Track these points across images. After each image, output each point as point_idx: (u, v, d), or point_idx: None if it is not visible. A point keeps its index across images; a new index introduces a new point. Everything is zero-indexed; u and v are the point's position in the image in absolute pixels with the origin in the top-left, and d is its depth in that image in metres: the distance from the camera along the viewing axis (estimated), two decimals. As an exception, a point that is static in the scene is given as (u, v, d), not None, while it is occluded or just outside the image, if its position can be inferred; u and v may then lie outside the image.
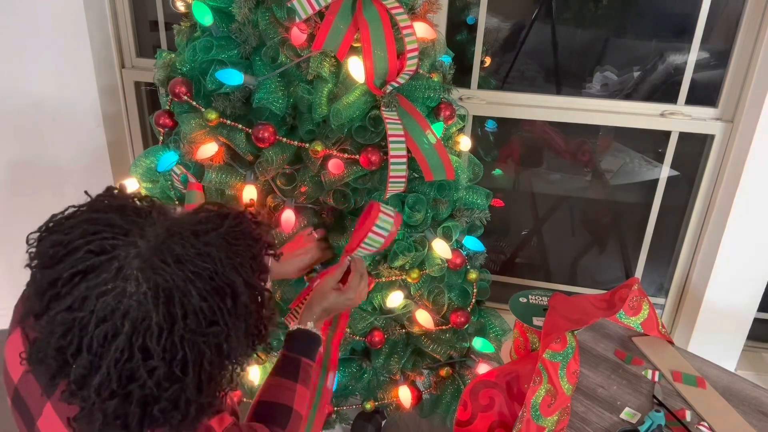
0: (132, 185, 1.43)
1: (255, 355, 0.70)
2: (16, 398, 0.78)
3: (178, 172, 1.35)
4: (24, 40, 2.00)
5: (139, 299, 0.59)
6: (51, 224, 0.65)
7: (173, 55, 1.35)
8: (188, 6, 1.28)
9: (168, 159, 1.34)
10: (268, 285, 1.17)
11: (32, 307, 0.62)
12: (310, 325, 1.07)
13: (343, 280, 1.15)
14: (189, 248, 0.63)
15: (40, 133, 2.14)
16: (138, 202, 0.67)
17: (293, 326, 1.08)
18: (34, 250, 0.64)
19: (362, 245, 1.16)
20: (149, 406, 0.61)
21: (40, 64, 2.02)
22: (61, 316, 0.58)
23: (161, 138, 1.40)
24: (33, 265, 0.63)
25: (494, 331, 1.61)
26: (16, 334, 0.79)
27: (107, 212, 0.64)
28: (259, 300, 0.69)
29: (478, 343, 1.57)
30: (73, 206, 0.66)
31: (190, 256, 0.62)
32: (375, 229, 1.14)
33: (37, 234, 0.65)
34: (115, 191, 0.69)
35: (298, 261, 1.22)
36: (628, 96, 2.18)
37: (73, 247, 0.60)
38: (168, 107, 1.36)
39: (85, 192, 0.68)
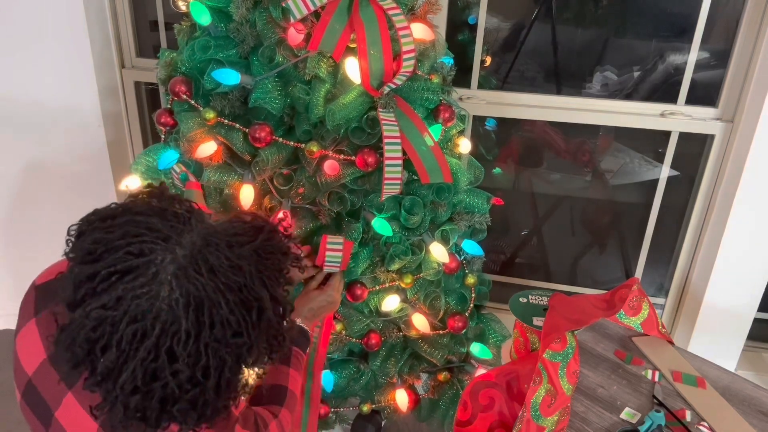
0: (134, 183, 1.43)
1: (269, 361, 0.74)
2: (29, 392, 0.79)
3: (178, 170, 1.35)
4: (24, 41, 2.00)
5: (170, 304, 0.62)
6: (93, 220, 0.67)
7: (175, 54, 1.35)
8: (189, 5, 1.29)
9: (168, 157, 1.35)
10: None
11: (65, 297, 0.64)
12: (298, 321, 1.17)
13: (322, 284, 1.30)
14: (223, 260, 0.65)
15: (41, 133, 2.14)
16: (178, 207, 0.69)
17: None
18: (72, 242, 0.66)
19: (325, 269, 1.32)
20: (169, 404, 0.64)
21: (40, 64, 2.02)
22: (95, 312, 0.61)
23: (163, 136, 1.40)
24: (71, 257, 0.65)
25: (494, 337, 1.59)
26: (29, 326, 0.80)
27: (149, 215, 0.66)
28: (281, 312, 0.73)
29: (476, 348, 1.55)
30: (115, 203, 0.69)
31: (224, 268, 0.65)
32: (327, 263, 1.30)
33: (77, 227, 0.67)
34: (157, 192, 0.71)
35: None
36: (628, 96, 2.18)
37: (113, 247, 0.62)
38: (169, 106, 1.36)
39: (127, 187, 0.72)
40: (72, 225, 0.68)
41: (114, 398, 0.63)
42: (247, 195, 1.30)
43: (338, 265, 1.30)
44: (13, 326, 2.83)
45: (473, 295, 1.53)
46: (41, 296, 0.81)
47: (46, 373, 0.77)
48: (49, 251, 2.51)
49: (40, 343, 0.78)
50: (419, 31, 1.29)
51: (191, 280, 0.63)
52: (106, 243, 0.63)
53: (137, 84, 2.19)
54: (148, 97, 2.27)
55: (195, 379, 0.63)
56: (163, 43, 2.13)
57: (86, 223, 0.67)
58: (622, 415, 1.22)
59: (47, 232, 2.33)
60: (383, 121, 1.23)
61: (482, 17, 1.89)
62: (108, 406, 0.65)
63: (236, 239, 0.69)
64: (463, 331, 1.50)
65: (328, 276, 1.31)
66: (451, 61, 1.45)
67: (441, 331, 1.50)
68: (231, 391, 0.69)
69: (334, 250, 1.29)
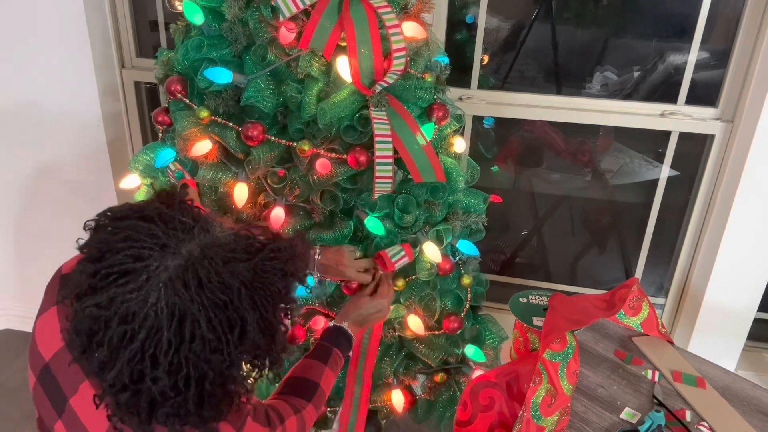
0: (133, 182, 1.43)
1: (265, 379, 0.75)
2: (44, 376, 0.81)
3: (173, 168, 1.36)
4: (24, 41, 2.00)
5: (156, 311, 0.64)
6: (104, 219, 0.70)
7: (172, 54, 1.36)
8: (182, 5, 1.29)
9: (165, 155, 1.36)
10: (316, 279, 1.29)
11: (73, 288, 0.67)
12: (344, 324, 1.20)
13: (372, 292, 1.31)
14: (213, 275, 0.66)
15: (41, 133, 2.14)
16: (184, 215, 0.71)
17: (330, 323, 1.23)
18: (86, 238, 0.70)
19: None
20: (156, 406, 0.65)
21: (40, 64, 2.02)
22: (90, 309, 0.64)
23: (161, 135, 1.41)
24: (83, 252, 0.68)
25: (490, 338, 1.58)
26: (50, 312, 0.83)
27: (153, 221, 0.68)
28: (271, 334, 0.72)
29: (470, 350, 1.53)
30: (129, 204, 0.72)
31: (212, 284, 0.66)
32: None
33: (93, 223, 0.70)
34: (168, 197, 0.73)
35: (341, 272, 1.31)
36: (628, 96, 2.19)
37: (114, 249, 0.65)
38: (167, 105, 1.37)
39: (152, 185, 0.73)
40: (88, 220, 0.71)
41: (107, 392, 0.66)
42: (240, 193, 1.31)
43: (406, 264, 1.35)
44: (13, 326, 2.85)
45: (469, 296, 1.51)
46: (65, 285, 0.83)
47: (64, 360, 0.78)
48: (51, 250, 2.51)
49: (59, 330, 0.80)
50: (411, 29, 1.28)
51: (177, 293, 0.64)
52: (109, 244, 0.66)
53: (137, 84, 2.19)
54: (148, 96, 2.27)
55: (176, 388, 0.65)
56: (163, 43, 2.13)
57: (98, 220, 0.70)
58: (622, 415, 1.22)
59: (48, 232, 2.33)
60: (374, 120, 1.23)
61: (482, 17, 1.89)
62: (104, 398, 0.67)
63: (234, 255, 0.69)
64: (458, 332, 1.49)
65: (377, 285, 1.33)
66: (447, 60, 1.44)
67: (436, 332, 1.49)
68: (217, 404, 0.69)
69: (400, 260, 1.33)
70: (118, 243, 0.66)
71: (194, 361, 0.64)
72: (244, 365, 0.70)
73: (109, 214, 0.70)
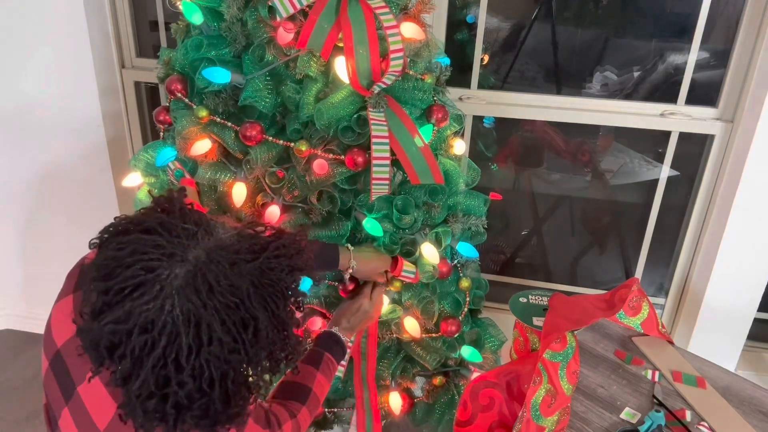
0: (135, 181, 1.44)
1: (282, 371, 0.77)
2: (56, 362, 0.83)
3: (173, 167, 1.36)
4: (24, 41, 2.00)
5: (173, 318, 0.66)
6: (107, 236, 0.71)
7: (173, 53, 1.36)
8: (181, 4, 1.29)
9: (166, 154, 1.36)
10: (347, 280, 1.31)
11: (90, 302, 0.68)
12: (335, 329, 1.22)
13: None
14: (222, 279, 0.68)
15: (41, 134, 2.14)
16: (186, 222, 0.72)
17: (322, 329, 1.25)
18: (94, 254, 0.71)
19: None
20: (183, 410, 0.67)
21: (40, 64, 2.02)
22: (109, 326, 0.65)
23: (162, 134, 1.41)
24: (90, 273, 0.69)
25: (490, 342, 1.57)
26: (67, 299, 0.85)
27: (156, 232, 0.70)
28: (284, 329, 0.74)
29: (466, 351, 1.52)
30: (127, 217, 0.72)
31: (221, 288, 0.68)
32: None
33: (97, 240, 0.71)
34: (167, 204, 0.74)
35: (376, 269, 1.33)
36: (628, 96, 2.19)
37: (123, 264, 0.67)
38: (168, 104, 1.37)
39: (149, 191, 0.78)
40: (92, 239, 0.72)
41: (133, 402, 0.67)
42: (239, 193, 1.31)
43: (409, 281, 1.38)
44: (14, 326, 2.85)
45: (467, 299, 1.50)
46: (83, 275, 0.86)
47: (75, 348, 0.80)
48: (51, 249, 2.51)
49: (72, 317, 0.82)
50: (409, 30, 1.28)
51: (190, 299, 0.66)
52: (118, 260, 0.67)
53: (137, 84, 2.19)
54: (148, 96, 2.27)
55: (202, 390, 0.67)
56: (163, 43, 2.13)
57: (102, 238, 0.71)
58: (622, 415, 1.22)
59: (48, 231, 2.33)
60: (372, 121, 1.23)
61: (482, 16, 1.89)
62: (129, 407, 0.68)
63: (239, 257, 0.71)
64: (455, 336, 1.48)
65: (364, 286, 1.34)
66: (448, 61, 1.44)
67: (433, 335, 1.48)
68: (241, 399, 0.71)
69: (407, 277, 1.36)
70: (126, 258, 0.67)
71: (215, 362, 0.66)
72: (262, 361, 0.72)
73: (111, 230, 0.71)
